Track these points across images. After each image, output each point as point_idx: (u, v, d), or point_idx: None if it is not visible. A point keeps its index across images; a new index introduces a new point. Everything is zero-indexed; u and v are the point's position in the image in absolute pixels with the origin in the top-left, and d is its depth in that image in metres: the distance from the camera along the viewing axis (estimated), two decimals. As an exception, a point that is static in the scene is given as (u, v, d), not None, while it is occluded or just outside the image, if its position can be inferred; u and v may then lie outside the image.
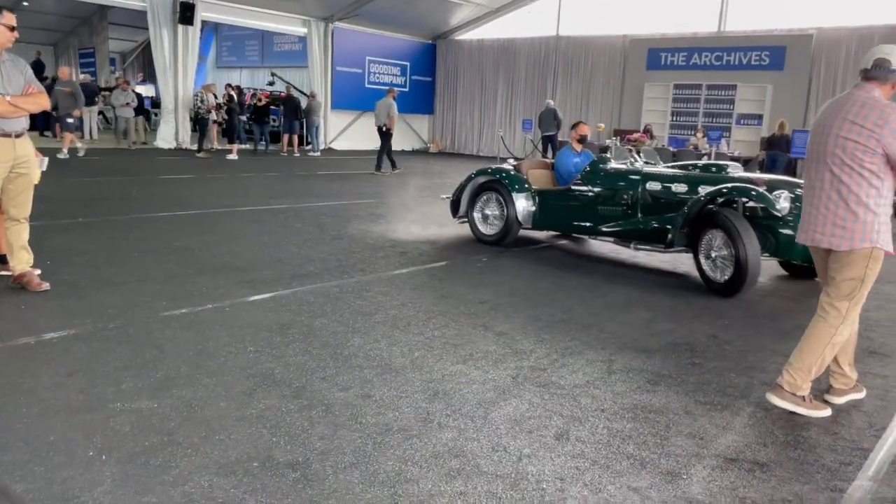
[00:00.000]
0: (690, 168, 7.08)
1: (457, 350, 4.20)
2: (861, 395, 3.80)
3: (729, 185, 6.04)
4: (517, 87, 22.64)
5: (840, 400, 3.71)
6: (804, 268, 6.51)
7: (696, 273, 6.28)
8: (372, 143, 23.51)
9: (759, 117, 17.49)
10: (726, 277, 5.86)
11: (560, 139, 17.75)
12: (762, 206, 5.81)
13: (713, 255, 5.98)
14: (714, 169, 6.85)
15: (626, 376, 3.93)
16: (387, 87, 17.00)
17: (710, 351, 4.46)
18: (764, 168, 15.05)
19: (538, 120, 18.55)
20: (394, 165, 15.75)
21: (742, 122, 17.70)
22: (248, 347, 4.05)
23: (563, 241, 8.23)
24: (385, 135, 15.62)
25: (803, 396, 3.52)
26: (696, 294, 5.94)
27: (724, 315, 5.33)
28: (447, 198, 8.44)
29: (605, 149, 13.82)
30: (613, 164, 7.14)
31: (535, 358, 4.15)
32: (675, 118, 18.73)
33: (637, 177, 6.85)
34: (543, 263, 6.98)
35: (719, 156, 14.56)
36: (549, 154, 17.51)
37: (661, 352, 4.38)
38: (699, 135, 16.42)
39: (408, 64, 23.84)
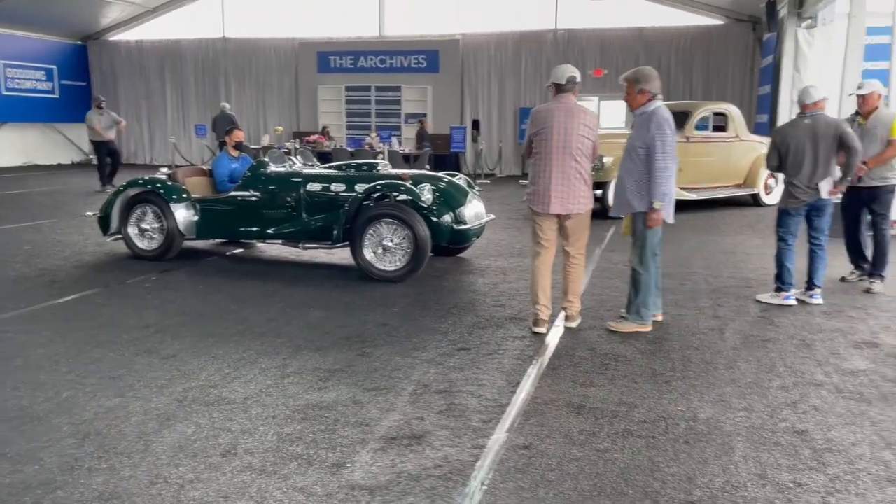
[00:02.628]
0: (345, 168, 7.45)
1: (115, 383, 3.87)
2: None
3: (382, 182, 6.60)
4: (187, 90, 21.49)
5: (574, 324, 4.97)
6: (444, 248, 7.25)
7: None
8: (18, 159, 20.54)
9: (424, 115, 18.97)
10: (398, 266, 6.37)
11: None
12: (410, 198, 6.43)
13: (387, 244, 6.38)
14: (365, 168, 7.33)
15: (300, 378, 4.00)
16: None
17: (380, 339, 4.74)
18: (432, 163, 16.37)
19: (213, 124, 17.84)
20: (101, 181, 14.09)
21: (409, 120, 19.03)
22: None
23: (240, 250, 8.06)
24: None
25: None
26: (370, 287, 6.24)
27: (395, 303, 5.70)
28: (95, 214, 7.70)
29: (288, 152, 13.84)
30: (273, 168, 7.19)
31: (205, 376, 4.00)
32: (350, 119, 19.45)
33: (298, 179, 7.00)
34: (218, 275, 6.76)
35: (392, 153, 15.50)
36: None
37: (335, 348, 4.54)
38: (373, 134, 17.28)
39: (55, 68, 21.17)
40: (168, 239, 7.17)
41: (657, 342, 4.69)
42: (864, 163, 5.77)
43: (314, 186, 6.90)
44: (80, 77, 21.97)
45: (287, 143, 16.17)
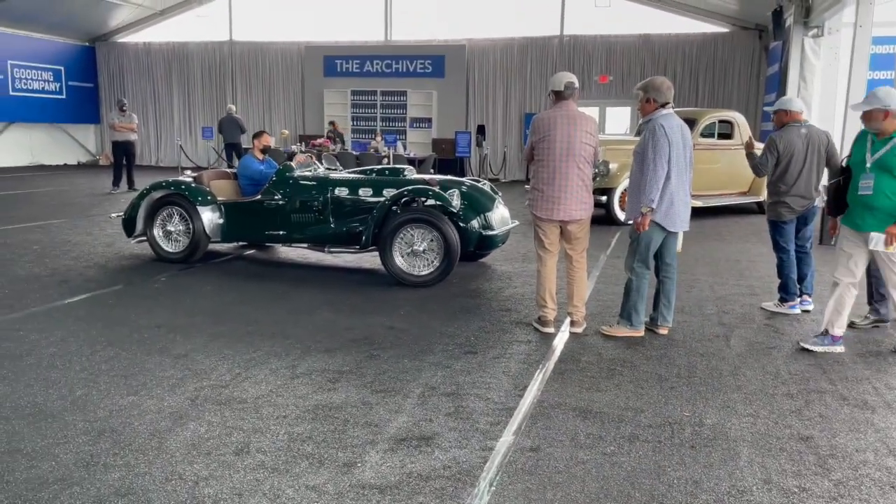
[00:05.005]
0: (369, 172, 7.48)
1: (127, 381, 3.92)
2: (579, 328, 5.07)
3: (409, 187, 6.63)
4: (194, 93, 21.60)
5: (579, 329, 5.05)
6: (471, 253, 7.20)
7: (379, 268, 6.69)
8: (24, 159, 20.67)
9: (429, 120, 19.08)
10: (430, 270, 6.38)
11: (245, 146, 17.41)
12: (440, 203, 6.45)
13: (417, 248, 6.38)
14: (388, 172, 7.37)
15: (309, 379, 4.04)
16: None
17: (387, 341, 4.78)
18: (436, 167, 16.45)
19: (219, 127, 17.94)
20: (114, 182, 14.23)
21: (415, 125, 19.13)
22: None
23: (250, 251, 8.11)
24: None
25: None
26: (377, 289, 6.30)
27: (402, 306, 5.74)
28: (119, 216, 7.73)
29: (291, 156, 13.92)
30: (299, 172, 7.23)
31: (216, 376, 4.05)
32: (355, 123, 19.54)
33: (326, 184, 7.04)
34: (227, 276, 6.82)
35: (397, 157, 15.56)
36: (236, 162, 17.05)
37: (343, 349, 4.58)
38: (378, 138, 17.35)
39: (62, 68, 21.31)
40: (194, 241, 7.17)
41: (663, 348, 4.73)
42: None
43: (342, 191, 6.94)
44: (87, 78, 22.11)
45: (293, 147, 16.26)
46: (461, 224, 6.51)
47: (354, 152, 16.76)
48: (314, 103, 20.01)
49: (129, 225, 7.47)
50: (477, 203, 6.85)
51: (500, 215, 7.08)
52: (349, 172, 7.69)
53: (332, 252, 7.09)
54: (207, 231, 7.16)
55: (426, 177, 7.24)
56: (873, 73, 10.70)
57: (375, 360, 4.40)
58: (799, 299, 5.66)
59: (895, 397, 3.90)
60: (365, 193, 6.89)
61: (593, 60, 18.16)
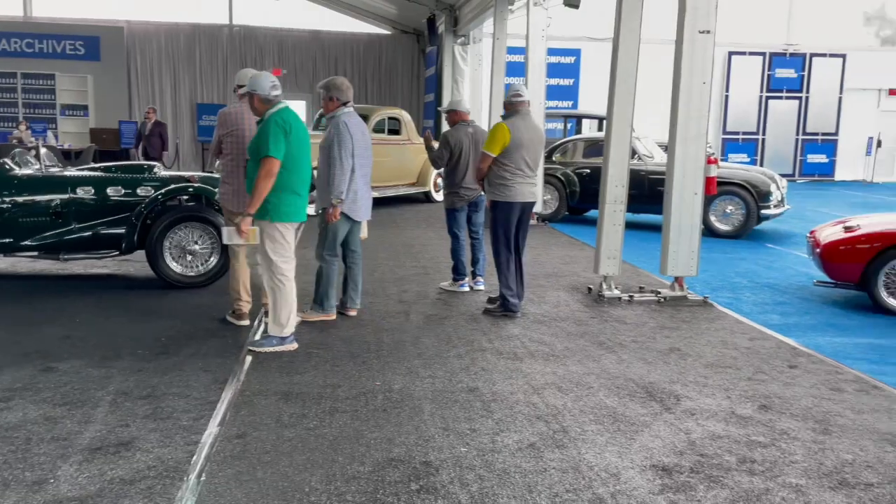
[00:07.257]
0: (114, 170, 6.78)
1: None
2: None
3: (175, 184, 6.23)
4: None
5: (243, 322, 5.13)
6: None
7: (57, 272, 6.03)
8: None
9: (85, 108, 17.21)
10: (206, 270, 6.14)
11: None
12: (206, 199, 6.18)
13: (190, 248, 6.05)
14: (115, 169, 6.80)
15: (-29, 402, 3.58)
16: None
17: (65, 352, 4.41)
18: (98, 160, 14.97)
19: None
20: None
21: (67, 112, 17.10)
22: None
23: None
24: None
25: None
26: (46, 298, 5.71)
27: (77, 313, 5.30)
28: None
29: None
30: (23, 171, 6.19)
31: None
32: (-11, 108, 16.78)
33: (64, 183, 6.15)
34: None
35: (50, 149, 13.79)
36: None
37: (12, 365, 4.12)
38: (22, 127, 15.15)
39: None
40: None
41: (354, 328, 5.13)
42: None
43: (86, 191, 6.13)
44: None
45: None
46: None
47: (-9, 143, 14.42)
48: (-71, 84, 16.67)
49: None
50: None
51: None
52: (84, 170, 6.89)
53: (67, 260, 6.27)
54: None
55: (185, 174, 6.90)
56: (509, 79, 12.56)
57: (53, 372, 4.05)
58: (472, 279, 6.45)
59: (536, 348, 4.81)
60: (115, 193, 6.21)
61: (265, 53, 18.15)
